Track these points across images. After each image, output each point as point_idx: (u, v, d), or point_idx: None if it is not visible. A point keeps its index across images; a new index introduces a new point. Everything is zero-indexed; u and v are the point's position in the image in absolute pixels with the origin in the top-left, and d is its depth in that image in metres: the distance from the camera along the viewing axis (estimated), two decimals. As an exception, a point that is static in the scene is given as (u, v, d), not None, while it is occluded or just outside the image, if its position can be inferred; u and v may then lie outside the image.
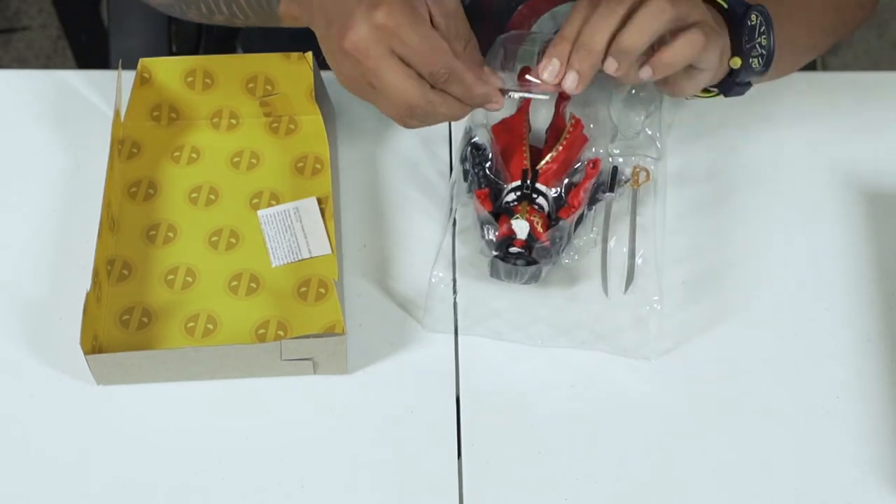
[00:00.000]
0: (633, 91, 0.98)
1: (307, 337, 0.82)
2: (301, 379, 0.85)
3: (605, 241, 0.91)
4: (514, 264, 0.86)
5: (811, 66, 1.18)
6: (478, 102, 0.81)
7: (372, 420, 0.84)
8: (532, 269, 0.86)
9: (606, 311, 0.88)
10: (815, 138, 1.00)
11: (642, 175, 0.94)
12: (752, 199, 0.96)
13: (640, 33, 0.79)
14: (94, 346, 0.83)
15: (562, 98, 0.98)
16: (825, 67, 2.00)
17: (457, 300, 0.88)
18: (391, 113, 0.80)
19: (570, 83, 0.80)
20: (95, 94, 1.01)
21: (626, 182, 0.93)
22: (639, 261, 0.89)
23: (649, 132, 0.96)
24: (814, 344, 0.88)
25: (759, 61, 0.87)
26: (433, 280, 0.88)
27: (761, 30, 0.86)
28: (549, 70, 0.80)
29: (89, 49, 1.95)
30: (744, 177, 0.97)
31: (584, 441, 0.83)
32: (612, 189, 0.92)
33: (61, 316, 0.86)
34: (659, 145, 0.95)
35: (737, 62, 0.86)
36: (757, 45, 0.86)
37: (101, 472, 0.81)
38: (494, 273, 0.87)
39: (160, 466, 0.81)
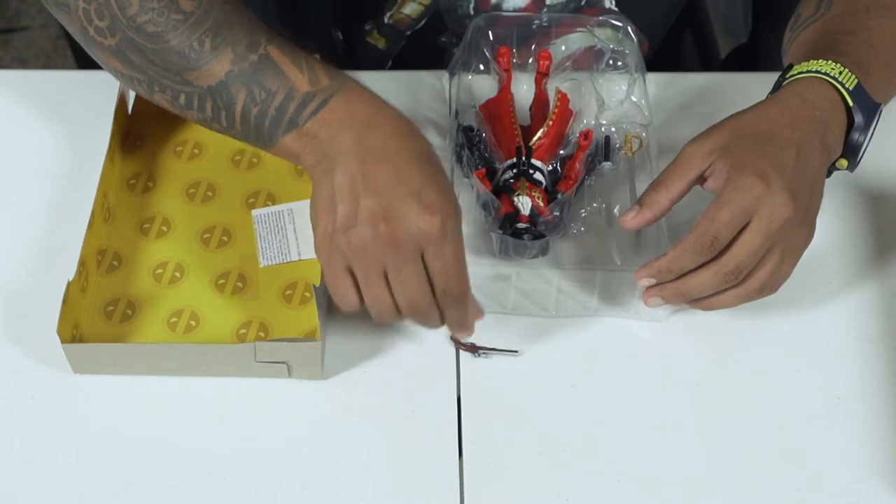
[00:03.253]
0: (612, 62, 0.98)
1: (281, 341, 0.82)
2: (300, 379, 0.85)
3: (608, 209, 0.91)
4: (522, 239, 0.86)
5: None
6: (456, 328, 0.81)
7: (372, 420, 0.84)
8: (540, 242, 0.87)
9: (617, 276, 0.89)
10: (816, 138, 1.00)
11: (635, 142, 0.94)
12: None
13: (728, 303, 0.83)
14: (74, 335, 0.83)
15: (541, 74, 0.98)
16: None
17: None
18: (379, 304, 0.77)
19: (652, 304, 0.84)
20: (95, 94, 1.01)
21: (619, 150, 0.93)
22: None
23: (634, 100, 0.96)
24: (814, 344, 0.88)
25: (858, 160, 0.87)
26: None
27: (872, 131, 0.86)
28: (644, 281, 0.83)
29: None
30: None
31: (584, 441, 0.83)
32: (607, 158, 0.92)
33: (49, 306, 0.84)
34: (646, 112, 0.96)
35: (843, 164, 0.87)
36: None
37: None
38: (503, 250, 0.88)
39: (153, 463, 0.81)
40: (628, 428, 0.83)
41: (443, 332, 0.87)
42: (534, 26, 1.01)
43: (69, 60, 2.06)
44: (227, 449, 0.82)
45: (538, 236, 0.87)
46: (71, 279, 0.82)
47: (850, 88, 0.83)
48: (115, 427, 0.83)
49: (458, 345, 0.86)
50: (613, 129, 0.95)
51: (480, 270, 0.89)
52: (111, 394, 0.84)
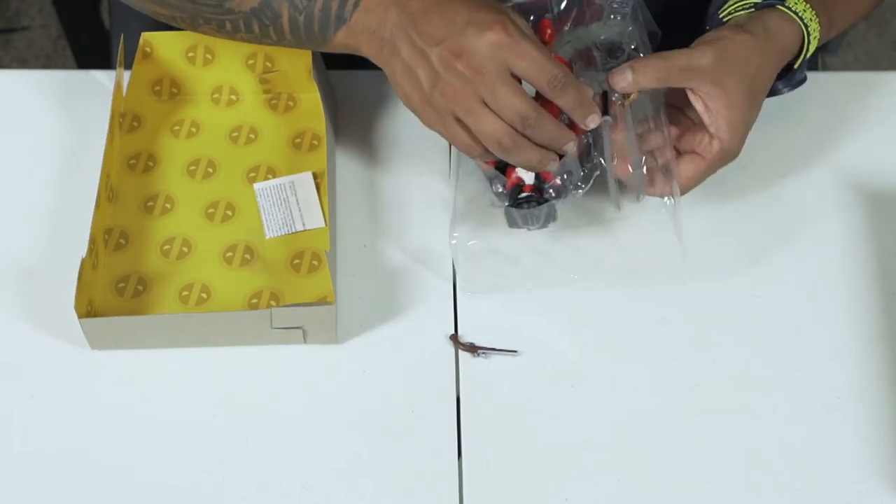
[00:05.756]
0: (613, 17, 0.98)
1: (297, 306, 0.83)
2: (300, 377, 0.85)
3: (608, 161, 0.91)
4: (528, 208, 0.87)
5: (812, 66, 1.18)
6: (580, 109, 0.82)
7: (372, 420, 0.84)
8: (546, 207, 0.87)
9: (627, 224, 0.90)
10: (815, 138, 1.00)
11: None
12: (751, 198, 0.96)
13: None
14: (88, 311, 0.84)
15: (543, 42, 0.97)
16: (825, 67, 2.00)
17: (487, 260, 0.90)
18: (495, 133, 0.80)
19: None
20: (95, 93, 1.01)
21: (618, 101, 0.92)
22: (644, 170, 0.89)
23: (633, 46, 0.95)
24: (814, 344, 0.88)
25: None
26: (453, 242, 0.88)
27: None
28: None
29: (89, 49, 1.95)
30: (743, 177, 0.96)
31: (584, 441, 0.83)
32: (606, 112, 0.92)
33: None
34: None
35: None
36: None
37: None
38: (512, 222, 0.88)
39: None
40: (628, 428, 0.83)
41: (442, 332, 0.87)
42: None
43: (69, 60, 2.06)
44: (225, 450, 0.82)
45: (543, 201, 0.87)
46: (83, 256, 0.83)
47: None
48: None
49: (458, 345, 0.86)
50: None
51: (492, 248, 0.90)
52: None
